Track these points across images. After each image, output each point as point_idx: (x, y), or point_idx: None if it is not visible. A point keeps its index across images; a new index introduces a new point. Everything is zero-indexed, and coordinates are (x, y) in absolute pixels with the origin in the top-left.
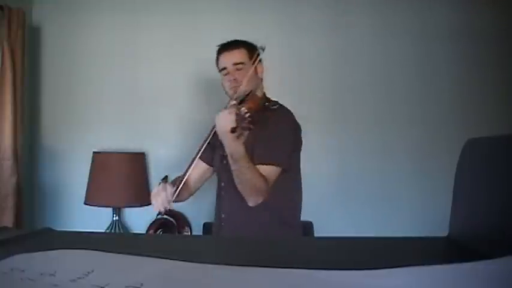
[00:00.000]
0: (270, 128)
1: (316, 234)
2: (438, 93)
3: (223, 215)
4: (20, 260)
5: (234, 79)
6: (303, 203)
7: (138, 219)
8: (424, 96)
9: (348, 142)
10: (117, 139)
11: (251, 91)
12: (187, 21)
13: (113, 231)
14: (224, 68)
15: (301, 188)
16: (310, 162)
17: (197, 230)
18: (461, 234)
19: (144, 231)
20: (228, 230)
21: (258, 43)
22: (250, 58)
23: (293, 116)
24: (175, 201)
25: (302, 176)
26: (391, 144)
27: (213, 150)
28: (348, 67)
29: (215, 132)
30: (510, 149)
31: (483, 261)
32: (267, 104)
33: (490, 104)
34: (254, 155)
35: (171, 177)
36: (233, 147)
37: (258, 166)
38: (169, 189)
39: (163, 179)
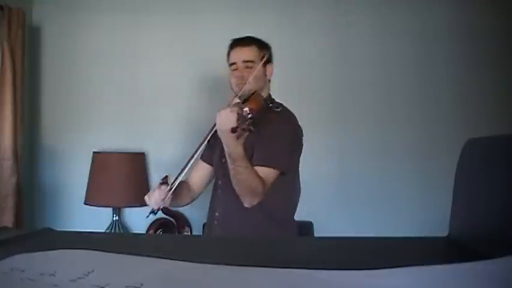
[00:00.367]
0: (271, 130)
1: (316, 234)
2: (438, 93)
3: (216, 213)
4: (20, 260)
5: (241, 76)
6: (302, 203)
7: (138, 219)
8: (423, 96)
9: (347, 142)
10: (117, 139)
11: (256, 91)
12: (187, 21)
13: (113, 231)
14: (233, 64)
15: (298, 190)
16: (310, 162)
17: (197, 230)
18: (461, 234)
19: (144, 231)
20: (221, 228)
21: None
22: (261, 58)
23: (295, 119)
24: (174, 206)
25: (302, 176)
26: (391, 144)
27: (212, 149)
28: (347, 67)
29: (215, 131)
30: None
31: (483, 261)
32: (270, 105)
33: (490, 104)
34: (253, 156)
35: (171, 177)
36: (232, 147)
37: (256, 167)
38: (163, 188)
39: (164, 179)
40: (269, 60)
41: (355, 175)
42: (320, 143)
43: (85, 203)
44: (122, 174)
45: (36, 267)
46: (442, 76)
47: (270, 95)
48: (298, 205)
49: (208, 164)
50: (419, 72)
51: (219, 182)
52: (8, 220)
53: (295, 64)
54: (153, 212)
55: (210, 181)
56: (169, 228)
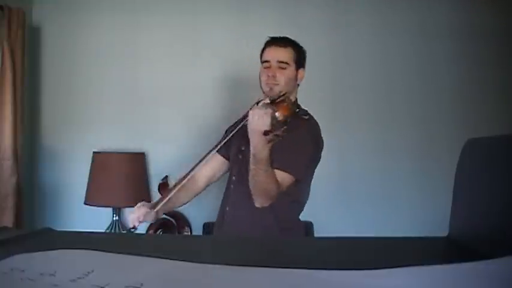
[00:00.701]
0: (296, 137)
1: (316, 234)
2: (438, 93)
3: (227, 208)
4: (20, 260)
5: (273, 76)
6: None
7: None
8: (424, 95)
9: (348, 141)
10: (117, 139)
11: (286, 93)
12: (187, 22)
13: (113, 231)
14: (267, 61)
15: (307, 196)
16: None
17: (197, 230)
18: (461, 234)
19: (144, 231)
20: (230, 224)
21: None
22: (295, 61)
23: (319, 130)
24: (174, 209)
25: None
26: (391, 143)
27: (228, 142)
28: (348, 66)
29: (242, 126)
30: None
31: (483, 261)
32: (297, 110)
33: (491, 104)
34: (275, 159)
35: (171, 177)
36: (259, 148)
37: (275, 170)
38: (143, 209)
39: (164, 179)
40: (302, 65)
41: (356, 174)
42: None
43: (85, 203)
44: (122, 174)
45: (36, 267)
46: (442, 75)
47: (296, 100)
48: None
49: (222, 156)
50: (420, 71)
51: (233, 178)
52: (8, 220)
53: None
54: (132, 229)
55: (222, 174)
56: (169, 228)
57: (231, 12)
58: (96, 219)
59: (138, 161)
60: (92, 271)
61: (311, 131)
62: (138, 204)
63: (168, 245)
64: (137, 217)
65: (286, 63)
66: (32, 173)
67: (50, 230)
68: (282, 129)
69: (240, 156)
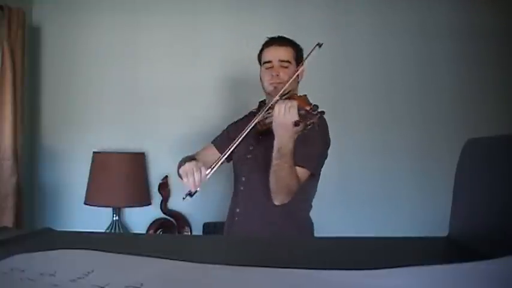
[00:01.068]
0: (312, 132)
1: (316, 234)
2: (438, 93)
3: (237, 209)
4: (20, 260)
5: (277, 75)
6: None
7: (138, 219)
8: (424, 95)
9: (348, 141)
10: (117, 139)
11: (290, 91)
12: (187, 22)
13: (113, 231)
14: (269, 62)
15: (314, 195)
16: None
17: (197, 230)
18: (461, 234)
19: (144, 231)
20: (241, 225)
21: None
22: (295, 59)
23: (328, 128)
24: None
25: None
26: (391, 143)
27: (229, 141)
28: (347, 66)
29: (254, 125)
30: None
31: (483, 261)
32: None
33: (490, 104)
34: None
35: (171, 177)
36: (285, 141)
37: None
38: (203, 170)
39: (163, 179)
40: (301, 62)
41: (355, 174)
42: None
43: (85, 203)
44: (122, 174)
45: (36, 267)
46: (442, 75)
47: None
48: None
49: (220, 152)
50: (420, 71)
51: (243, 179)
52: (8, 220)
53: None
54: (190, 194)
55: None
56: (169, 228)
57: (231, 12)
58: (96, 219)
59: (138, 161)
60: (92, 271)
61: (324, 127)
62: (195, 164)
63: (168, 245)
64: (200, 180)
65: (288, 61)
66: (32, 173)
67: (50, 230)
68: (312, 117)
69: (249, 156)
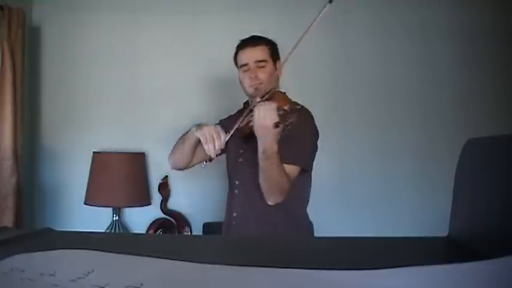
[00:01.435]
0: (295, 128)
1: (316, 234)
2: (438, 93)
3: (234, 214)
4: (20, 260)
5: (256, 76)
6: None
7: (138, 219)
8: (424, 96)
9: (348, 142)
10: (117, 139)
11: (271, 89)
12: (187, 22)
13: (113, 231)
14: (245, 65)
15: (310, 187)
16: None
17: (197, 230)
18: (461, 234)
19: (144, 231)
20: (239, 229)
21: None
22: (271, 56)
23: (313, 119)
24: (187, 162)
25: None
26: (391, 144)
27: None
28: (347, 67)
29: (237, 129)
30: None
31: (483, 261)
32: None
33: (490, 104)
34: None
35: (171, 177)
36: (269, 143)
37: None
38: (223, 135)
39: (163, 179)
40: (278, 58)
41: (355, 175)
42: (320, 143)
43: (85, 203)
44: (122, 174)
45: (36, 267)
46: (442, 76)
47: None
48: None
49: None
50: (419, 71)
51: (236, 182)
52: (8, 220)
53: (295, 64)
54: (210, 159)
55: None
56: (169, 228)
57: (230, 12)
58: (96, 219)
59: (138, 161)
60: (92, 271)
61: (307, 120)
62: (214, 130)
63: (168, 245)
64: (220, 147)
65: (264, 60)
66: (32, 173)
67: (50, 230)
68: (289, 118)
69: (241, 160)
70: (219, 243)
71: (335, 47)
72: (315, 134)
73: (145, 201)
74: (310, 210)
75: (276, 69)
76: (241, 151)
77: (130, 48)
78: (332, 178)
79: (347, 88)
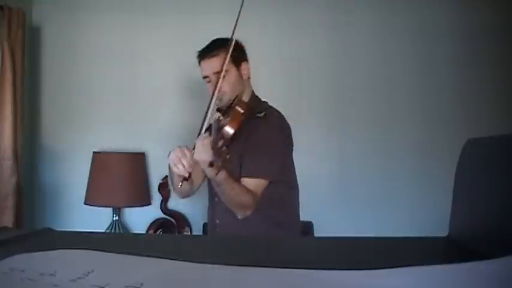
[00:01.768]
0: (258, 139)
1: (316, 234)
2: (438, 92)
3: (217, 221)
4: (20, 260)
5: (215, 87)
6: (302, 203)
7: (138, 219)
8: (424, 95)
9: (348, 141)
10: (117, 139)
11: (237, 96)
12: (187, 22)
13: (113, 231)
14: (206, 77)
15: (296, 188)
16: (310, 162)
17: (197, 230)
18: (461, 234)
19: (144, 231)
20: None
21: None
22: (233, 62)
23: (280, 121)
24: (186, 192)
25: (302, 176)
26: (391, 143)
27: None
28: (347, 66)
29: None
30: (510, 149)
31: (483, 261)
32: (253, 108)
33: (490, 103)
34: (242, 166)
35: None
36: (212, 176)
37: (245, 179)
38: (188, 152)
39: (163, 179)
40: (242, 59)
41: (355, 175)
42: (320, 142)
43: (85, 203)
44: (122, 174)
45: (36, 267)
46: (442, 75)
47: (253, 94)
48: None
49: None
50: (420, 71)
51: (215, 189)
52: (8, 220)
53: (296, 63)
54: (185, 179)
55: (202, 180)
56: (169, 228)
57: (230, 12)
58: (96, 219)
59: (138, 161)
60: (92, 271)
61: (271, 127)
62: (178, 150)
63: (168, 245)
64: (189, 163)
65: (224, 70)
66: (32, 173)
67: (50, 230)
68: (223, 157)
69: None
70: (219, 243)
71: (335, 46)
72: (282, 137)
73: (145, 201)
74: (310, 209)
75: (240, 73)
76: None
77: (130, 48)
78: (332, 177)
79: (347, 87)
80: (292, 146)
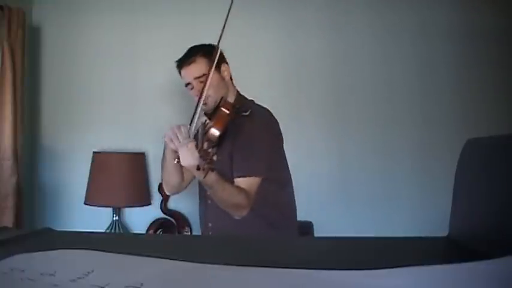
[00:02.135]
0: (245, 138)
1: (316, 234)
2: (438, 93)
3: (210, 224)
4: (20, 260)
5: (201, 93)
6: (302, 203)
7: (138, 219)
8: (424, 95)
9: (348, 142)
10: (117, 139)
11: (222, 98)
12: (187, 22)
13: (113, 231)
14: (188, 84)
15: (289, 186)
16: (310, 162)
17: (197, 230)
18: (461, 234)
19: (144, 231)
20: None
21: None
22: (211, 65)
23: (266, 117)
24: (175, 185)
25: (303, 176)
26: (392, 143)
27: None
28: (348, 67)
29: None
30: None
31: (483, 261)
32: (238, 108)
33: (490, 104)
34: (233, 167)
35: None
36: (201, 179)
37: (238, 179)
38: (184, 128)
39: None
40: (221, 62)
41: (356, 175)
42: (320, 142)
43: (85, 203)
44: (122, 174)
45: (36, 267)
46: (442, 75)
47: (238, 94)
48: (298, 205)
49: None
50: (420, 71)
51: (208, 192)
52: (8, 220)
53: (296, 64)
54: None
55: (192, 178)
56: (169, 228)
57: (231, 12)
58: (96, 219)
59: (138, 161)
60: (92, 271)
61: (257, 125)
62: (172, 128)
63: (168, 245)
64: (186, 133)
65: (204, 74)
66: (32, 173)
67: (50, 230)
68: (209, 159)
69: None
70: (219, 243)
71: (335, 46)
72: (269, 134)
73: (145, 201)
74: (310, 209)
75: (221, 76)
76: None
77: (130, 48)
78: (332, 177)
79: (347, 87)
80: (282, 141)
